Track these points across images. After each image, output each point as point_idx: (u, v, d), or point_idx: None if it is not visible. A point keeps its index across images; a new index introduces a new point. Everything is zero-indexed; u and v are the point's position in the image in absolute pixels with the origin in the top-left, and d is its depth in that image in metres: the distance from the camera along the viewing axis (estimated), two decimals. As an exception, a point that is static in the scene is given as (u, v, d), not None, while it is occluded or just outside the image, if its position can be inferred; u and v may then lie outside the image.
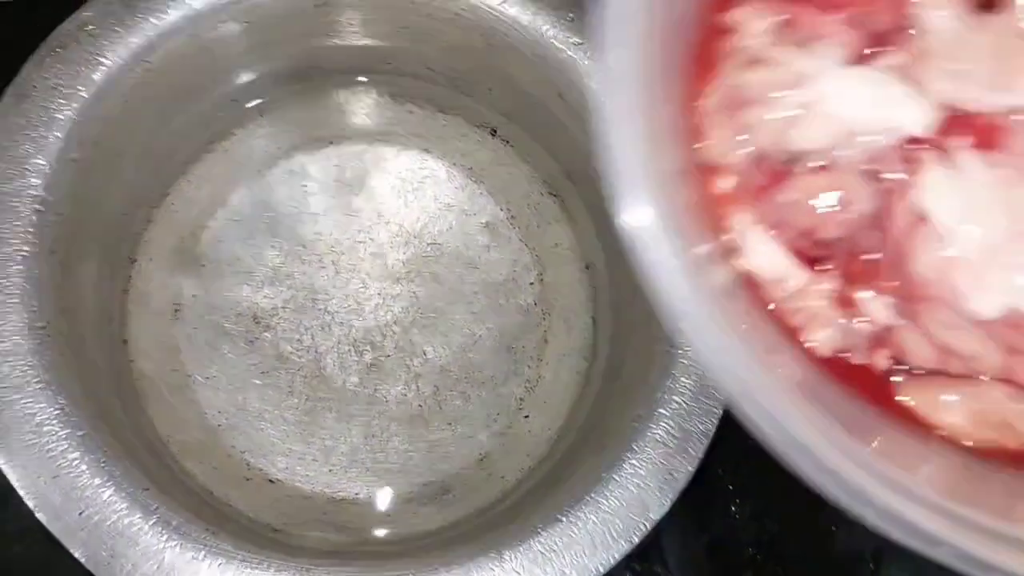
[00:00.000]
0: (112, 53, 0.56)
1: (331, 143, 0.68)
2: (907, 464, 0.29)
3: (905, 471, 0.28)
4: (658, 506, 0.51)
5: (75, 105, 0.55)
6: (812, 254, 0.32)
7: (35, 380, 0.51)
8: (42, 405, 0.50)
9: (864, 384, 0.31)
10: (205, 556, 0.50)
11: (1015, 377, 0.30)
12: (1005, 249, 0.28)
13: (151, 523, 0.50)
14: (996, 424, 0.30)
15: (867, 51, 0.30)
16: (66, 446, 0.50)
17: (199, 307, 0.65)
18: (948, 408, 0.30)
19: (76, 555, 0.49)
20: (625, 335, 0.60)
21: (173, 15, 0.57)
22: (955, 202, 0.29)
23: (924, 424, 0.31)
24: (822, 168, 0.31)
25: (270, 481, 0.63)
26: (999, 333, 0.30)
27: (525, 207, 0.67)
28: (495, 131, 0.67)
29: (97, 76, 0.56)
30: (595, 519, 0.51)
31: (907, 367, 0.32)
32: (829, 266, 0.31)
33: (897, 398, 0.31)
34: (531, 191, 0.67)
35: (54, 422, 0.50)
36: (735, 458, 0.57)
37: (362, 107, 0.69)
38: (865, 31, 0.31)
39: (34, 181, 0.54)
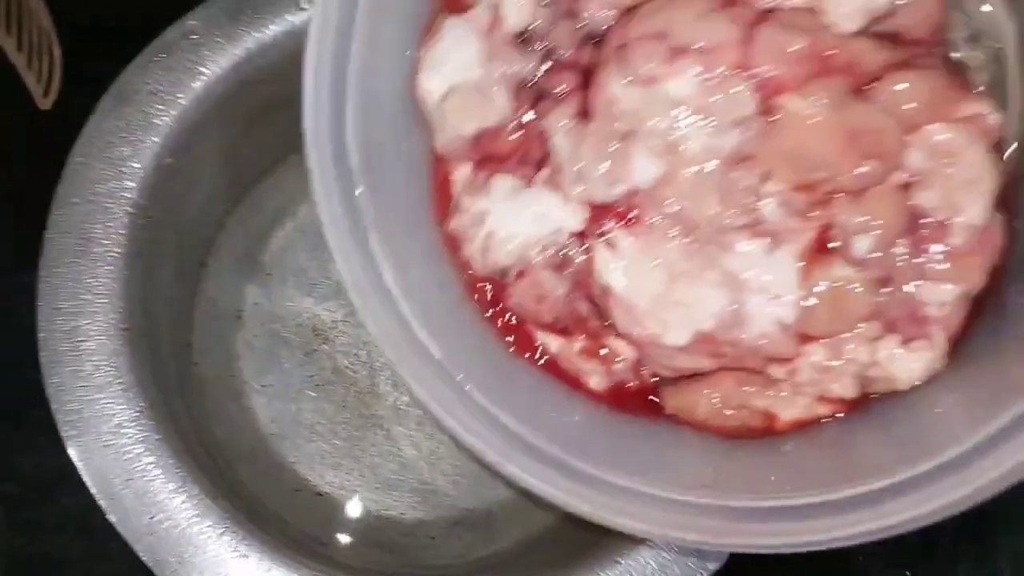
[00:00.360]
0: (213, 63, 0.57)
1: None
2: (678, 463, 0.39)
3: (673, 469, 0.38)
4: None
5: (173, 112, 0.56)
6: (559, 327, 0.41)
7: (117, 381, 0.51)
8: (122, 407, 0.51)
9: (642, 404, 0.41)
10: (270, 569, 0.50)
11: (739, 365, 0.38)
12: (668, 294, 0.37)
13: (220, 532, 0.50)
14: (736, 408, 0.39)
15: (532, 176, 0.39)
16: (141, 449, 0.51)
17: (261, 315, 0.66)
18: (698, 404, 0.39)
19: (143, 559, 0.50)
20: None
21: (274, 30, 0.58)
22: (620, 270, 0.37)
23: (690, 423, 0.40)
24: (520, 274, 0.39)
25: (318, 494, 0.64)
26: (699, 349, 0.37)
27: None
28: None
29: (196, 85, 0.56)
30: (653, 563, 0.51)
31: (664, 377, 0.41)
32: (576, 333, 0.41)
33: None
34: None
35: (132, 425, 0.51)
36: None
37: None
38: (529, 163, 0.39)
39: (129, 184, 0.54)
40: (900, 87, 0.35)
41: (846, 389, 0.38)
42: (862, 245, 0.36)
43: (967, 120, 0.36)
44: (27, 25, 0.65)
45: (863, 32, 0.36)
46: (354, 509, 0.63)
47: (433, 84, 0.39)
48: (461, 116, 0.39)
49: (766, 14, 0.36)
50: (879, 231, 0.36)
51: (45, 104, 0.65)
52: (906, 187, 0.37)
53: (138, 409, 0.50)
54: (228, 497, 0.54)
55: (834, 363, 0.37)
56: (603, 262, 0.38)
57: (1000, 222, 0.38)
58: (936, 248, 0.36)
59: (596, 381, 0.41)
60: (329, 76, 0.37)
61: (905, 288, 0.37)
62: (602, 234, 0.38)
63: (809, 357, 0.38)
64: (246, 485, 0.61)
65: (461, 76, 0.39)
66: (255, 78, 0.59)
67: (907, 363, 0.38)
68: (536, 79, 0.39)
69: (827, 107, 0.35)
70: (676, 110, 0.36)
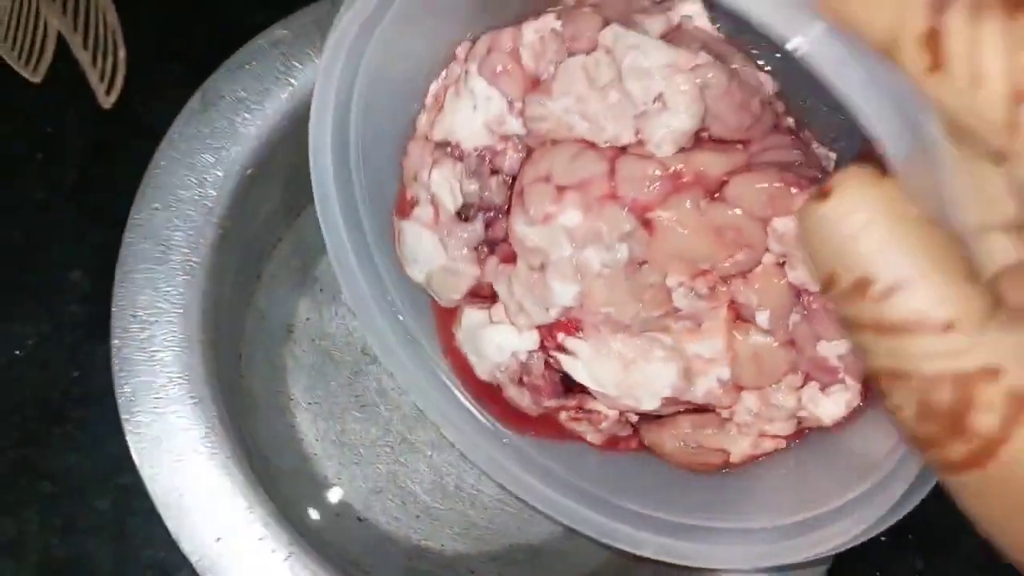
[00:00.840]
0: (301, 75, 0.56)
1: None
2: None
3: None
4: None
5: (259, 122, 0.54)
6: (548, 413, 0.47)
7: (190, 396, 0.50)
8: (194, 423, 0.50)
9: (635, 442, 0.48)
10: (332, 598, 0.49)
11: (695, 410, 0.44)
12: (628, 378, 0.42)
13: (284, 557, 0.49)
14: (696, 446, 0.45)
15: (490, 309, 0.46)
16: (212, 467, 0.49)
17: (311, 330, 0.65)
18: (665, 443, 0.45)
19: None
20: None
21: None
22: (583, 368, 0.43)
23: (662, 457, 0.46)
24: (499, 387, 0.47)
25: (359, 519, 0.63)
26: (666, 406, 0.43)
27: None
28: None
29: (284, 95, 0.55)
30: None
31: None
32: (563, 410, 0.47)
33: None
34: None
35: (203, 442, 0.49)
36: None
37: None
38: (487, 298, 0.46)
39: (211, 192, 0.53)
40: (740, 189, 0.41)
41: (782, 428, 0.44)
42: (763, 317, 0.42)
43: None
44: (93, 23, 0.65)
45: (701, 145, 0.42)
46: (395, 538, 0.62)
47: (415, 274, 0.47)
48: (445, 289, 0.46)
49: (623, 149, 0.42)
50: (770, 306, 0.41)
51: (107, 103, 0.64)
52: (782, 265, 0.42)
53: (208, 425, 0.49)
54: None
55: (767, 408, 0.43)
56: (566, 364, 0.44)
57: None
58: (822, 313, 0.41)
59: (592, 437, 0.47)
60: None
61: (808, 347, 0.42)
62: (557, 347, 0.43)
63: (746, 404, 0.43)
64: (290, 506, 0.60)
65: (431, 264, 0.46)
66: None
67: (828, 405, 0.42)
68: (486, 236, 0.46)
69: (689, 214, 0.41)
70: (571, 239, 0.42)
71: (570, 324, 0.43)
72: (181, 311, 0.50)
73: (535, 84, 0.45)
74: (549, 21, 0.45)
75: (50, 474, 0.59)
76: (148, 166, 0.52)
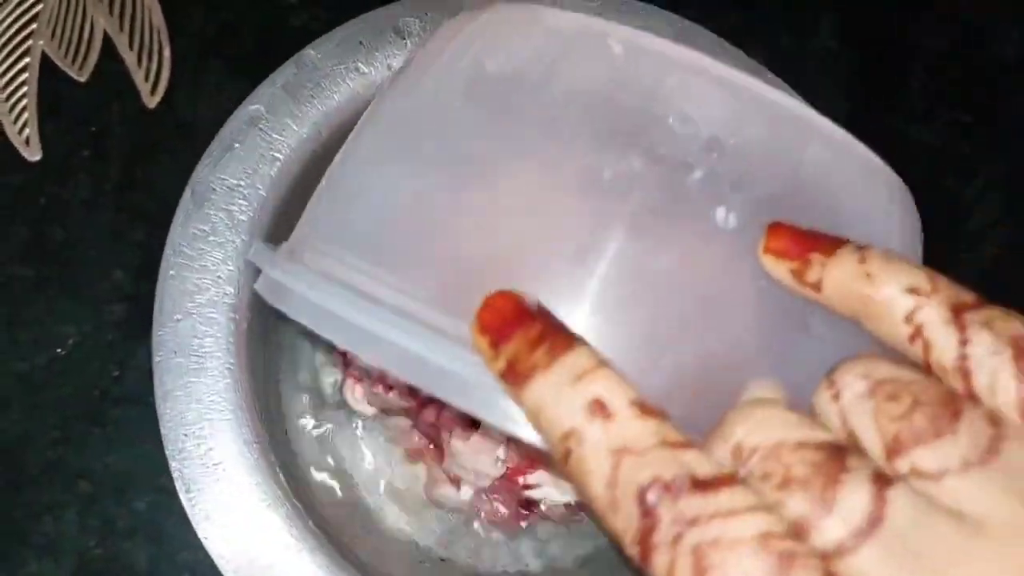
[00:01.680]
0: (284, 146, 0.54)
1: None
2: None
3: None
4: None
5: (255, 205, 0.53)
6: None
7: (262, 501, 0.50)
8: (272, 518, 0.49)
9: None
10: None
11: None
12: None
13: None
14: None
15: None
16: (300, 560, 0.49)
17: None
18: None
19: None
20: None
21: (338, 99, 0.56)
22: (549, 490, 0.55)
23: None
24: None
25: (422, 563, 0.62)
26: None
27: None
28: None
29: (274, 172, 0.54)
30: None
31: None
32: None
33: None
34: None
35: (285, 536, 0.49)
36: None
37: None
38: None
39: (228, 289, 0.52)
40: None
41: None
42: None
43: None
44: (139, 23, 0.63)
45: None
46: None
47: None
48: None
49: None
50: None
51: (152, 102, 0.63)
52: None
53: (286, 519, 0.49)
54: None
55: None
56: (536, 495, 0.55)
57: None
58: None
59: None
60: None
61: None
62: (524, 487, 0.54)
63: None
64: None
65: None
66: (325, 151, 0.56)
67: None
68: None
69: None
70: None
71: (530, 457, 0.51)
72: (231, 418, 0.49)
73: None
74: None
75: (88, 474, 0.58)
76: (158, 278, 0.50)
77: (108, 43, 0.64)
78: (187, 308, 0.49)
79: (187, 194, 0.51)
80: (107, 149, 0.62)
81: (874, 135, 0.63)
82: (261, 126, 0.53)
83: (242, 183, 0.52)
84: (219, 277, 0.50)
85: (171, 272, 0.50)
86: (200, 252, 0.50)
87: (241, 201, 0.51)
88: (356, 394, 0.54)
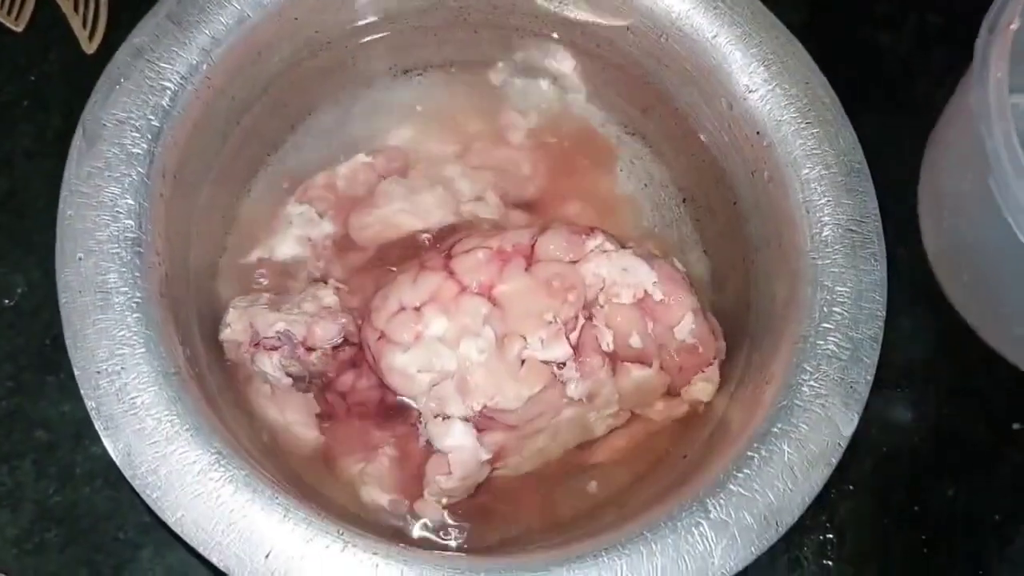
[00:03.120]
0: (175, 75, 0.52)
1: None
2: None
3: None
4: (848, 422, 0.49)
5: (150, 136, 0.51)
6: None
7: (184, 428, 0.47)
8: (199, 452, 0.47)
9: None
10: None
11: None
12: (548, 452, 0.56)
13: (341, 548, 0.47)
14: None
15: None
16: (233, 490, 0.47)
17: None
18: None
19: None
20: (745, 261, 0.59)
21: (225, 21, 0.54)
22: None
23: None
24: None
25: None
26: None
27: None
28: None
29: (165, 102, 0.52)
30: (788, 448, 0.49)
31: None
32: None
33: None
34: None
35: (215, 468, 0.47)
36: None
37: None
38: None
39: (128, 223, 0.49)
40: (546, 246, 0.52)
41: (678, 411, 0.56)
42: (635, 340, 0.52)
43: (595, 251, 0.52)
44: None
45: (509, 210, 0.59)
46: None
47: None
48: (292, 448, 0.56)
49: (450, 253, 0.52)
50: (632, 328, 0.52)
51: (90, 48, 0.62)
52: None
53: (214, 451, 0.46)
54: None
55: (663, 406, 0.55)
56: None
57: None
58: (660, 305, 0.52)
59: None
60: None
61: (669, 339, 0.53)
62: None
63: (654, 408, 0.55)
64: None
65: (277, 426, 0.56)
66: (221, 80, 0.55)
67: (700, 390, 0.55)
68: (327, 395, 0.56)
69: (521, 278, 0.51)
70: (446, 343, 0.50)
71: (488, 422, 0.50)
72: (144, 350, 0.47)
73: (353, 203, 0.57)
74: (359, 158, 0.59)
75: (44, 423, 0.57)
76: (57, 219, 0.49)
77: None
78: (88, 246, 0.47)
79: (78, 133, 0.49)
80: (47, 98, 0.61)
81: (840, 44, 0.61)
82: (147, 57, 0.51)
83: (132, 115, 0.50)
84: (118, 212, 0.48)
85: (69, 212, 0.48)
86: (97, 188, 0.48)
87: (134, 134, 0.49)
88: (272, 362, 0.53)
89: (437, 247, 0.55)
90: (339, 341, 0.53)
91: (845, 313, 0.49)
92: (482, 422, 0.51)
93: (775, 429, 0.47)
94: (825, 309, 0.49)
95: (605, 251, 0.53)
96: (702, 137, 0.57)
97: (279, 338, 0.52)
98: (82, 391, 0.45)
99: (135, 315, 0.46)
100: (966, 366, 0.63)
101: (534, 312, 0.51)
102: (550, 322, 0.51)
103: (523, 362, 0.51)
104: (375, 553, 0.44)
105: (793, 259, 0.51)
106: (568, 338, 0.51)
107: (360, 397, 0.54)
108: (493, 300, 0.51)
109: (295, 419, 0.53)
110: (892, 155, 0.58)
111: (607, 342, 0.52)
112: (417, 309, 0.51)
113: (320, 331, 0.52)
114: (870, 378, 0.48)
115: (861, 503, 0.60)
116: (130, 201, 0.47)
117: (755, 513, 0.46)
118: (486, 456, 0.51)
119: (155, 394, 0.45)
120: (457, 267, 0.52)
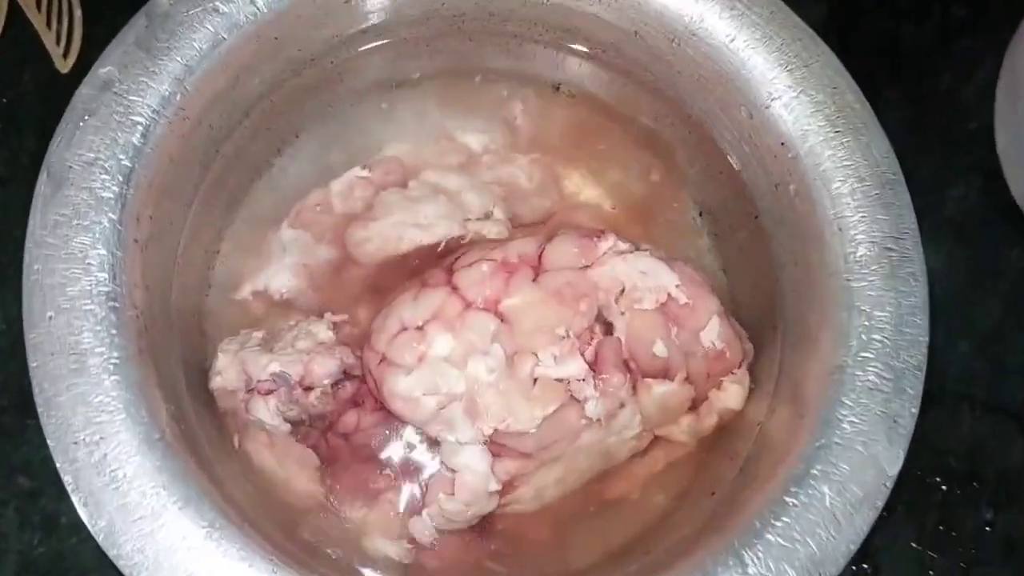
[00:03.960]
0: (146, 108, 0.48)
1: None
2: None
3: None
4: (893, 460, 0.45)
5: (120, 178, 0.47)
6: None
7: (172, 501, 0.43)
8: (189, 527, 0.43)
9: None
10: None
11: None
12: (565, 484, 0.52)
13: None
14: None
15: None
16: (227, 567, 0.43)
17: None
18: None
19: None
20: (768, 279, 0.54)
21: (199, 46, 0.49)
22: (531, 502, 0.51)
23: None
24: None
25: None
26: None
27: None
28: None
29: (136, 139, 0.47)
30: (830, 492, 0.45)
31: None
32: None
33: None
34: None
35: (207, 543, 0.43)
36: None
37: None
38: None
39: (100, 276, 0.44)
40: (555, 254, 0.49)
41: (707, 424, 0.52)
42: (659, 348, 0.48)
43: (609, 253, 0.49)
44: None
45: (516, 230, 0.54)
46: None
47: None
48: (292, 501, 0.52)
49: (452, 267, 0.48)
50: (655, 335, 0.48)
51: (65, 67, 0.59)
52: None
53: (205, 524, 0.42)
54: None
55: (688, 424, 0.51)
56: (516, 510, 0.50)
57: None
58: (684, 309, 0.49)
59: None
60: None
61: (695, 345, 0.49)
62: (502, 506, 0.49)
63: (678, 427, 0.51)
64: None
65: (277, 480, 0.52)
66: (198, 109, 0.50)
67: (730, 396, 0.51)
68: (327, 441, 0.51)
69: (528, 290, 0.47)
70: (452, 363, 0.46)
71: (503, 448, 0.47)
72: (124, 416, 0.43)
73: (348, 218, 0.53)
74: (354, 172, 0.55)
75: (26, 468, 0.55)
76: (23, 273, 0.44)
77: (15, 8, 0.58)
78: (58, 304, 0.43)
79: (42, 177, 0.44)
80: (21, 120, 0.57)
81: (863, 37, 0.56)
82: (115, 90, 0.46)
83: (101, 156, 0.45)
84: (89, 264, 0.44)
85: (36, 267, 0.43)
86: (65, 239, 0.44)
87: (103, 176, 0.45)
88: (269, 407, 0.48)
89: (440, 263, 0.51)
90: (338, 377, 0.49)
91: (886, 340, 0.45)
92: (494, 448, 0.47)
93: (814, 471, 0.43)
94: (864, 336, 0.45)
95: (620, 252, 0.49)
96: (720, 147, 0.52)
97: (274, 380, 0.47)
98: (57, 465, 0.40)
99: (113, 377, 0.42)
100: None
101: (545, 326, 0.47)
102: (563, 336, 0.47)
103: (536, 381, 0.47)
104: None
105: (823, 280, 0.47)
106: (583, 353, 0.47)
107: (365, 437, 0.50)
108: (500, 315, 0.47)
109: (295, 472, 0.49)
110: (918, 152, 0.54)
111: (628, 355, 0.48)
112: (420, 328, 0.47)
113: (318, 368, 0.48)
114: (915, 411, 0.44)
115: (896, 530, 0.55)
116: (102, 251, 0.43)
117: (797, 566, 0.42)
118: (496, 486, 0.47)
119: (138, 464, 0.41)
120: (460, 282, 0.48)
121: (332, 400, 0.49)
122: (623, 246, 0.49)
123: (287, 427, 0.49)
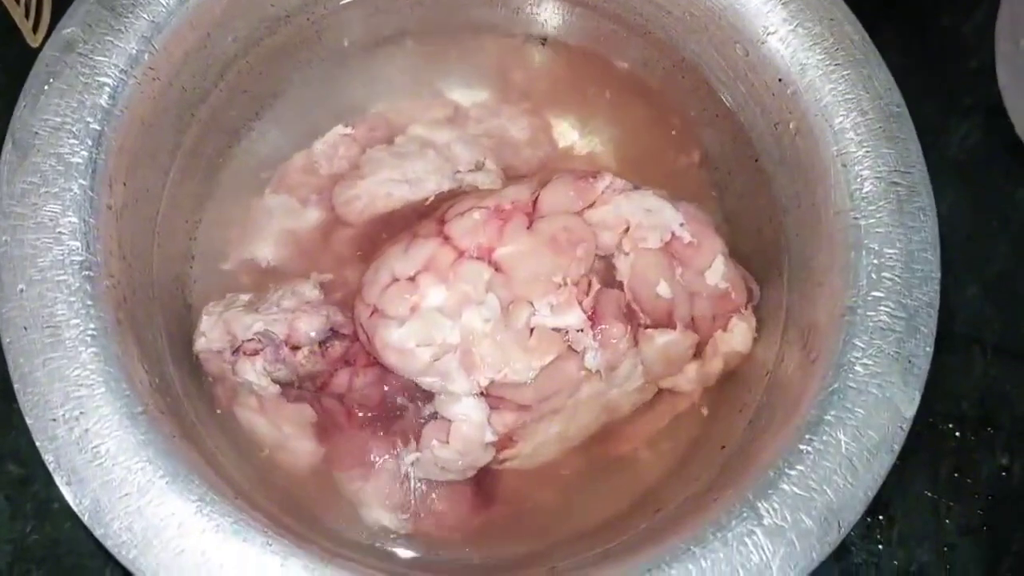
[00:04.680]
0: (112, 68, 0.45)
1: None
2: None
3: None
4: (908, 402, 0.43)
5: (89, 142, 0.44)
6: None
7: (158, 476, 0.41)
8: (177, 502, 0.41)
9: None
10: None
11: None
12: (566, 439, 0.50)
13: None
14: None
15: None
16: (220, 540, 0.41)
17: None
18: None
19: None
20: (772, 223, 0.52)
21: (165, 3, 0.47)
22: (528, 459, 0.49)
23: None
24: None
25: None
26: None
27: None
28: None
29: (104, 101, 0.45)
30: (845, 438, 0.43)
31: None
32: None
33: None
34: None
35: (198, 518, 0.40)
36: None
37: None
38: None
39: (73, 244, 0.42)
40: (550, 198, 0.47)
41: (713, 369, 0.50)
42: (663, 288, 0.47)
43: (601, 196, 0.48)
44: None
45: (510, 179, 0.51)
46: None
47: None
48: (288, 467, 0.51)
49: (443, 217, 0.46)
50: (658, 275, 0.47)
51: (35, 41, 0.57)
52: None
53: (195, 498, 0.40)
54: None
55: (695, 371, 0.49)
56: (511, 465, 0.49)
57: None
58: (689, 248, 0.48)
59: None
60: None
61: (700, 285, 0.48)
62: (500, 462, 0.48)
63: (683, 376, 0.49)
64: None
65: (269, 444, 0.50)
66: (167, 69, 0.48)
67: (737, 337, 0.50)
68: (321, 402, 0.50)
69: (523, 237, 0.45)
70: (445, 314, 0.45)
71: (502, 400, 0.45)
72: (104, 390, 0.41)
73: (334, 179, 0.51)
74: (337, 130, 0.53)
75: (15, 455, 0.53)
76: (-8, 248, 0.42)
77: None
78: (30, 276, 0.41)
79: (7, 146, 0.42)
80: None
81: None
82: (79, 50, 0.43)
83: (68, 120, 0.43)
84: (60, 232, 0.41)
85: (4, 238, 0.41)
86: (33, 208, 0.41)
87: (71, 141, 0.42)
88: (255, 368, 0.46)
89: (432, 215, 0.49)
90: (326, 335, 0.47)
91: (896, 278, 0.42)
92: (492, 401, 0.45)
93: (828, 417, 0.41)
94: (873, 275, 0.42)
95: (622, 191, 0.47)
96: (714, 90, 0.50)
97: (259, 340, 0.45)
98: (37, 443, 0.38)
99: (90, 350, 0.39)
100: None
101: (541, 274, 0.45)
102: (560, 284, 0.45)
103: (532, 331, 0.45)
104: (387, 598, 0.37)
105: (829, 219, 0.44)
106: (581, 304, 0.45)
107: (359, 398, 0.48)
108: (495, 264, 0.45)
109: (290, 431, 0.47)
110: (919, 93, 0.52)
111: (630, 296, 0.47)
112: (411, 279, 0.45)
113: (303, 325, 0.47)
114: (930, 350, 0.42)
115: (910, 478, 0.53)
116: (73, 219, 0.41)
117: (814, 515, 0.40)
118: (491, 437, 0.45)
119: (121, 439, 0.39)
120: (452, 231, 0.46)
121: (321, 360, 0.47)
122: (621, 183, 0.47)
123: (276, 389, 0.47)
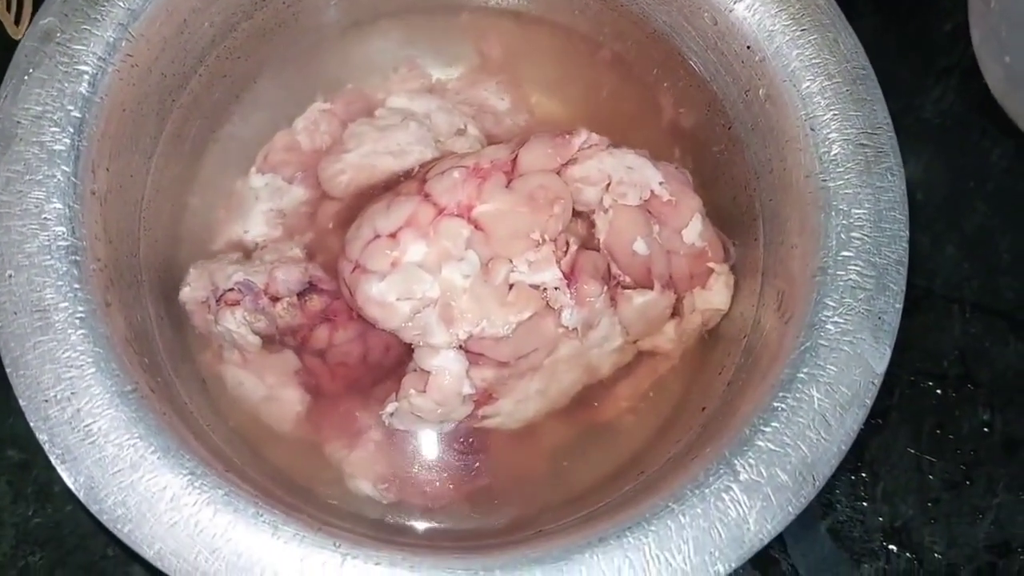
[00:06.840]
0: (91, 56, 0.47)
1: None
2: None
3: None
4: (879, 357, 0.44)
5: (71, 129, 0.45)
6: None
7: (150, 451, 0.42)
8: (169, 476, 0.42)
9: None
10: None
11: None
12: (546, 400, 0.51)
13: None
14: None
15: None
16: (211, 512, 0.42)
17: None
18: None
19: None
20: (747, 190, 0.53)
21: (143, -9, 0.48)
22: (509, 418, 0.51)
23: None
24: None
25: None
26: None
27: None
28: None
29: (84, 89, 0.46)
30: (818, 394, 0.44)
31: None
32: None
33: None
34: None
35: (189, 491, 0.42)
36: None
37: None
38: None
39: (59, 230, 0.44)
40: (528, 156, 0.48)
41: (692, 326, 0.52)
42: (640, 245, 0.48)
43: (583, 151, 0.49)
44: None
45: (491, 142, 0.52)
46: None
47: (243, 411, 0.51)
48: (274, 420, 0.53)
49: (424, 177, 0.47)
50: (635, 232, 0.48)
51: (18, 34, 0.58)
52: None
53: (186, 472, 0.42)
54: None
55: (673, 329, 0.51)
56: (492, 424, 0.51)
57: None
58: (667, 206, 0.49)
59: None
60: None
61: (678, 243, 0.49)
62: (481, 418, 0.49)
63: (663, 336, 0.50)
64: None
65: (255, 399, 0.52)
66: (146, 56, 0.49)
67: (716, 295, 0.51)
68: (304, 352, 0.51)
69: (502, 195, 0.46)
70: (426, 268, 0.46)
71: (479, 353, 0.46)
72: (95, 370, 0.42)
73: (318, 154, 0.53)
74: (316, 106, 0.54)
75: (15, 440, 0.54)
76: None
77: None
78: (17, 261, 0.42)
79: (-8, 135, 0.43)
80: None
81: None
82: (57, 40, 0.44)
83: (49, 108, 0.44)
84: (46, 219, 0.42)
85: (-10, 225, 0.42)
86: (18, 195, 0.42)
87: (53, 129, 0.43)
88: (236, 317, 0.47)
89: (414, 177, 0.50)
90: (304, 287, 0.48)
91: (865, 237, 0.44)
92: (471, 357, 0.47)
93: (801, 375, 0.42)
94: (843, 235, 0.44)
95: (600, 147, 0.48)
96: (687, 60, 0.51)
97: (239, 290, 0.47)
98: (31, 424, 0.40)
99: (79, 332, 0.41)
100: None
101: (520, 232, 0.46)
102: (538, 241, 0.46)
103: (511, 287, 0.46)
104: (377, 564, 0.39)
105: (799, 182, 0.46)
106: (559, 262, 0.46)
107: (340, 355, 0.49)
108: (474, 222, 0.47)
109: (273, 381, 0.49)
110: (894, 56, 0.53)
111: (607, 252, 0.48)
112: (393, 236, 0.47)
113: (281, 275, 0.48)
114: (899, 306, 0.43)
115: (892, 436, 0.54)
116: (58, 205, 0.42)
117: (788, 469, 0.41)
118: (469, 390, 0.46)
119: (112, 417, 0.40)
120: (432, 189, 0.47)
121: (300, 312, 0.48)
122: (597, 138, 0.48)
123: (257, 340, 0.48)
